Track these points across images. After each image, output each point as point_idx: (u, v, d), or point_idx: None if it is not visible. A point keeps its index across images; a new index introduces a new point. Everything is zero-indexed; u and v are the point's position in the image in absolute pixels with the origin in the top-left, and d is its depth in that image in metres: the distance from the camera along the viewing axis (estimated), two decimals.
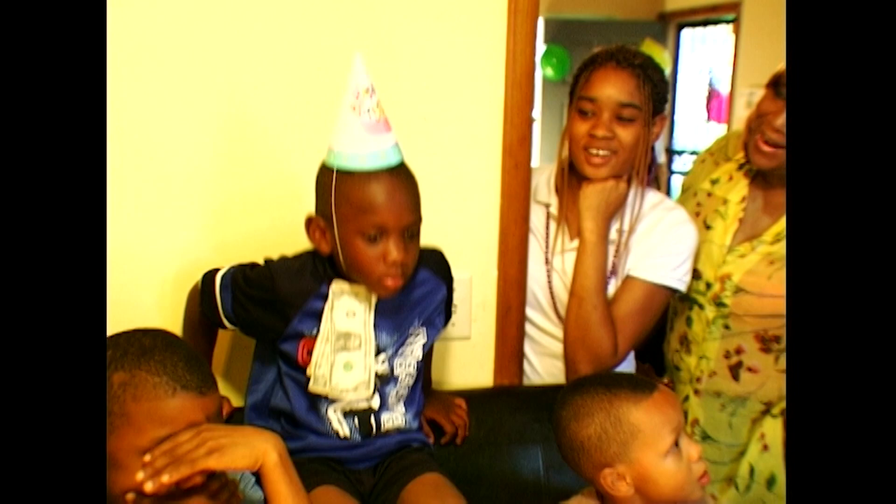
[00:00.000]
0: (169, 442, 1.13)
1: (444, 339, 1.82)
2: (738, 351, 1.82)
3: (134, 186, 1.63)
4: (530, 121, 1.82)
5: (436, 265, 1.59)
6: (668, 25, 7.11)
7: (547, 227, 1.89)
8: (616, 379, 1.44)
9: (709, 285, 1.81)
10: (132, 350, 1.16)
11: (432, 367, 1.79)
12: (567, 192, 1.84)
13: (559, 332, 1.85)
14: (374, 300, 1.49)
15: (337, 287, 1.48)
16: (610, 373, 1.69)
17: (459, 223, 1.76)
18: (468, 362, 1.91)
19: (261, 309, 1.50)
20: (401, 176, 1.41)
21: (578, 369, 1.77)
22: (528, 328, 1.92)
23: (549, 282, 1.86)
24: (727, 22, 6.61)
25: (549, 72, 6.20)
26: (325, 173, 1.41)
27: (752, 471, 1.81)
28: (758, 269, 1.75)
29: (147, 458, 1.12)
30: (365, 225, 1.38)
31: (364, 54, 1.38)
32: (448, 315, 1.65)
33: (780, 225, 1.76)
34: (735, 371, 1.82)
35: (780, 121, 1.66)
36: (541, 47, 6.04)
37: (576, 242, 1.81)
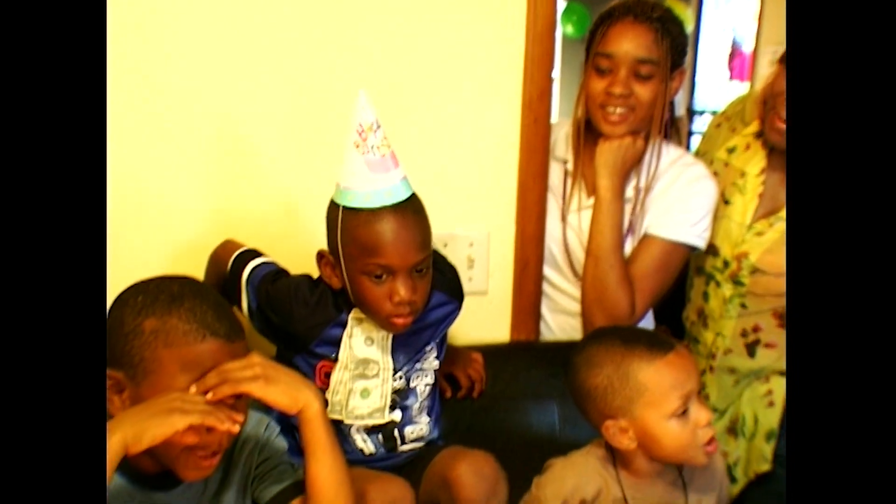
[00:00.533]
0: (220, 367, 1.16)
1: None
2: (756, 329, 1.81)
3: (137, 161, 1.64)
4: (550, 75, 1.80)
5: (448, 287, 1.56)
6: None
7: (564, 184, 1.87)
8: (635, 334, 1.44)
9: (726, 263, 1.80)
10: (162, 297, 1.17)
11: None
12: (583, 149, 1.82)
13: (575, 290, 1.85)
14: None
15: (356, 315, 1.47)
16: (632, 328, 1.68)
17: (478, 178, 1.75)
18: (485, 318, 1.90)
19: (280, 330, 1.50)
20: (407, 212, 1.37)
21: (592, 319, 1.77)
22: (544, 285, 1.92)
23: (565, 239, 1.85)
24: None
25: (570, 29, 6.13)
26: (332, 210, 1.39)
27: (756, 421, 1.81)
28: (775, 248, 1.73)
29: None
30: (370, 265, 1.36)
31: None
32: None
33: None
34: (751, 348, 1.82)
35: (779, 90, 1.63)
36: (561, 4, 5.97)
37: (592, 200, 1.80)
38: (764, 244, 1.75)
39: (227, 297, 1.50)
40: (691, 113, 6.58)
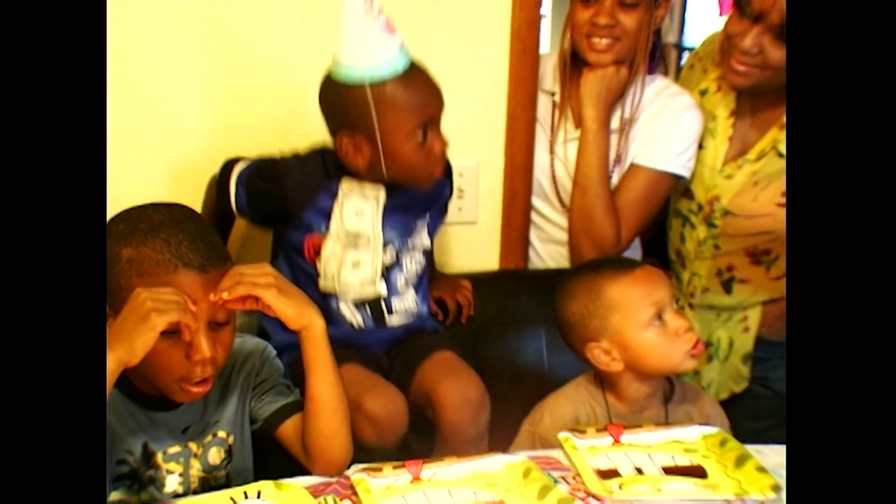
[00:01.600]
0: (236, 269, 1.18)
1: (451, 223, 1.83)
2: (730, 268, 1.83)
3: (140, 70, 1.63)
4: (538, 5, 1.80)
5: None
6: None
7: (552, 116, 1.87)
8: (602, 261, 1.51)
9: (700, 206, 1.81)
10: (141, 226, 1.17)
11: (439, 250, 1.81)
12: (570, 80, 1.82)
13: (562, 220, 1.87)
14: (382, 199, 1.51)
15: (346, 186, 1.49)
16: (600, 258, 1.71)
17: (466, 108, 1.76)
18: (475, 246, 1.93)
19: (271, 201, 1.51)
20: (421, 68, 1.43)
21: (584, 258, 1.78)
22: (533, 215, 1.93)
23: (553, 170, 1.86)
24: None
25: None
26: (350, 90, 1.40)
27: (731, 344, 1.85)
28: (744, 190, 1.74)
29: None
30: (413, 126, 1.40)
31: None
32: (446, 211, 1.67)
33: (765, 141, 1.73)
34: (727, 285, 1.84)
35: (748, 42, 1.61)
36: None
37: (579, 132, 1.80)
38: (734, 187, 1.75)
39: (219, 202, 1.55)
40: (680, 49, 6.52)
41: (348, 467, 1.29)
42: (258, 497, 1.19)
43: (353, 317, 1.58)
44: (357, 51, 1.36)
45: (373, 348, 1.62)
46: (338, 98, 1.42)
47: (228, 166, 1.56)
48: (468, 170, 1.82)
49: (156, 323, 1.08)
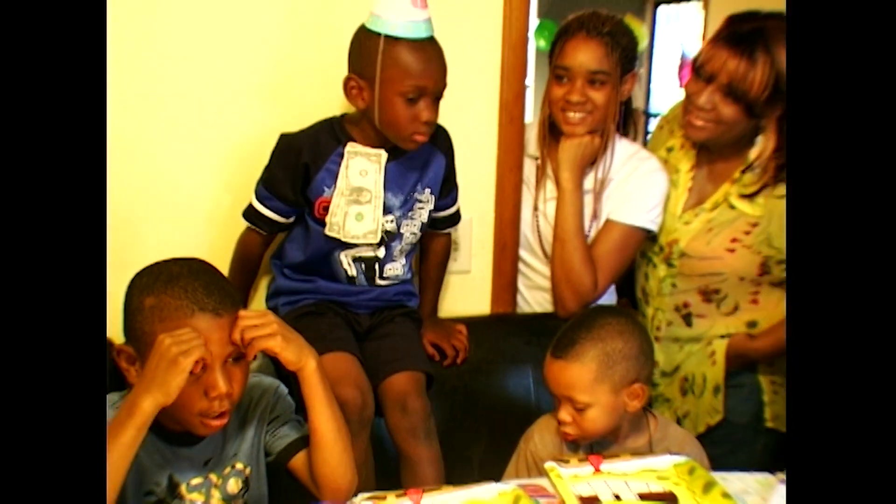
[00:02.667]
0: (244, 320, 1.17)
1: (448, 272, 1.81)
2: (686, 305, 1.80)
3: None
4: (524, 80, 1.81)
5: (438, 138, 1.59)
6: (647, 3, 7.00)
7: (536, 178, 1.85)
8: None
9: (661, 248, 1.79)
10: (162, 277, 1.17)
11: (439, 298, 1.79)
12: (549, 146, 1.81)
13: (546, 270, 1.84)
14: (383, 162, 1.52)
15: (351, 148, 1.50)
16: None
17: (461, 170, 1.71)
18: (468, 293, 1.90)
19: (290, 174, 1.52)
20: (437, 46, 1.44)
21: (565, 304, 1.77)
22: (520, 265, 1.91)
23: (538, 226, 1.84)
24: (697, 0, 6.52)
25: (542, 44, 6.07)
26: (369, 37, 1.41)
27: (704, 379, 1.81)
28: (699, 235, 1.73)
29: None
30: (407, 88, 1.40)
31: None
32: (446, 190, 1.65)
33: (719, 193, 1.72)
34: (687, 319, 1.81)
35: (703, 99, 1.62)
36: (535, 21, 5.93)
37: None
38: (691, 232, 1.74)
39: (263, 230, 1.60)
40: (647, 115, 6.59)
41: (355, 495, 1.21)
42: None
43: (350, 268, 1.59)
44: (386, 5, 1.38)
45: (358, 310, 1.64)
46: (358, 42, 1.45)
47: (248, 208, 1.59)
48: (463, 224, 1.78)
49: (185, 365, 1.08)
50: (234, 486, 1.29)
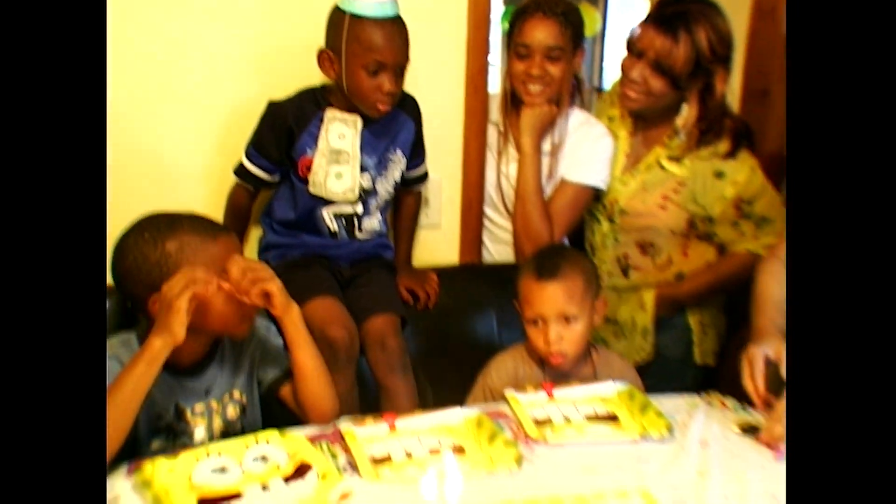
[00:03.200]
0: (243, 262, 1.19)
1: (420, 228, 1.84)
2: (625, 257, 1.85)
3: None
4: (486, 56, 1.82)
5: (408, 107, 1.63)
6: None
7: (499, 143, 1.87)
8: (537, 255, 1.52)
9: (605, 207, 1.83)
10: (162, 224, 1.18)
11: (413, 249, 1.82)
12: (510, 115, 1.82)
13: (508, 225, 1.87)
14: (359, 126, 1.55)
15: (330, 114, 1.54)
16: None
17: (431, 136, 1.74)
18: (438, 247, 1.93)
19: (276, 137, 1.55)
20: (397, 24, 1.45)
21: (525, 254, 1.78)
22: (485, 221, 1.93)
23: (500, 186, 1.87)
24: None
25: (506, 26, 6.02)
26: (338, 15, 1.45)
27: (633, 322, 1.86)
28: (636, 194, 1.78)
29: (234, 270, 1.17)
30: (368, 61, 1.43)
31: None
32: (415, 153, 1.69)
33: (651, 156, 1.78)
34: (626, 271, 1.86)
35: (634, 73, 1.69)
36: (499, 5, 5.87)
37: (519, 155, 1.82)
38: (628, 192, 1.79)
39: (254, 186, 1.63)
40: (600, 90, 6.56)
41: (338, 419, 1.29)
42: (267, 443, 1.19)
43: (332, 224, 1.63)
44: None
45: (340, 261, 1.67)
46: (330, 20, 1.48)
47: (238, 167, 1.60)
48: (433, 184, 1.82)
49: (180, 306, 1.10)
50: (232, 412, 1.32)
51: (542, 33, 1.70)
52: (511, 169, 1.83)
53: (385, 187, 1.64)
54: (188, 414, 1.28)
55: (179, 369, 1.26)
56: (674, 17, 1.64)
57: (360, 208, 1.63)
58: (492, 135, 1.88)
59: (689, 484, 1.16)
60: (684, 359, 1.87)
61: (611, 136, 1.81)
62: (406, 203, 1.77)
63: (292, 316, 1.24)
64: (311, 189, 1.56)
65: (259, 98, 1.60)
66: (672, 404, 1.39)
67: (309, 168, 1.55)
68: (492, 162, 1.88)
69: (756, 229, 1.76)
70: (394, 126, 1.61)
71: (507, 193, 1.85)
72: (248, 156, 1.59)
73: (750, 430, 1.31)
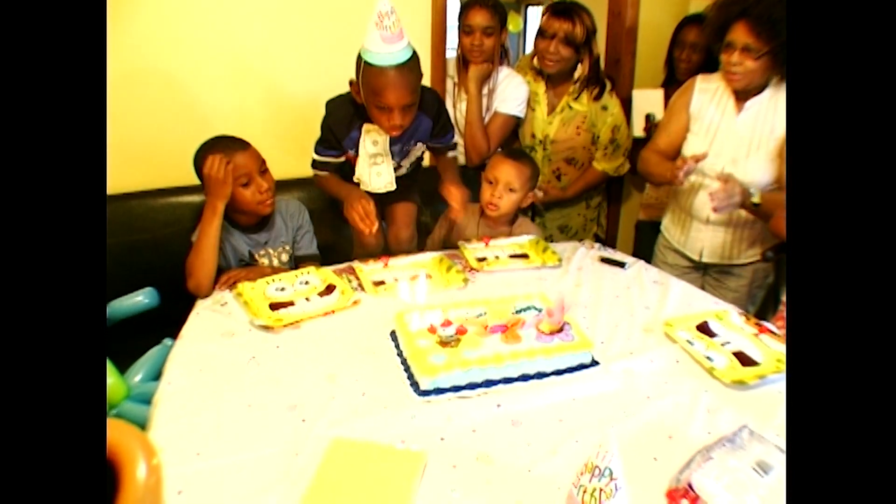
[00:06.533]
0: (221, 165, 1.15)
1: None
2: (557, 170, 1.80)
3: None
4: (445, 32, 1.71)
5: (426, 104, 1.30)
6: (521, 5, 6.61)
7: (453, 90, 1.78)
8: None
9: (540, 141, 1.77)
10: (213, 145, 1.19)
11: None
12: (461, 71, 1.74)
13: (461, 141, 1.77)
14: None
15: (367, 126, 1.29)
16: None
17: None
18: None
19: (330, 141, 1.32)
20: (403, 71, 1.14)
21: (471, 159, 1.73)
22: None
23: (455, 117, 1.76)
24: None
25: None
26: (359, 57, 1.18)
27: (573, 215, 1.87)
28: (559, 129, 1.75)
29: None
30: (377, 102, 1.18)
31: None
32: (438, 133, 1.36)
33: (563, 102, 1.72)
34: (559, 177, 1.82)
35: (551, 48, 1.63)
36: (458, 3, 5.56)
37: (466, 98, 1.72)
38: (554, 128, 1.74)
39: (334, 170, 1.34)
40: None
41: (352, 260, 1.26)
42: (308, 274, 1.19)
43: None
44: (368, 37, 1.15)
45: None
46: (357, 59, 1.20)
47: (312, 161, 1.35)
48: None
49: (220, 186, 1.15)
50: (284, 256, 1.29)
51: (479, 17, 1.62)
52: (462, 106, 1.75)
53: (406, 165, 1.42)
54: (256, 255, 1.26)
55: (247, 227, 1.25)
56: (567, 9, 1.63)
57: (394, 184, 1.36)
58: (449, 84, 1.79)
59: (570, 291, 1.17)
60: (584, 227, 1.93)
61: (525, 83, 1.73)
62: (442, 158, 1.44)
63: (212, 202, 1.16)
64: (356, 180, 1.32)
65: (310, 93, 1.43)
66: (562, 247, 1.39)
67: (354, 164, 1.33)
68: (449, 101, 1.78)
69: (612, 154, 1.78)
70: (414, 126, 1.30)
71: (459, 121, 1.76)
72: (316, 151, 1.33)
73: (606, 261, 1.31)
